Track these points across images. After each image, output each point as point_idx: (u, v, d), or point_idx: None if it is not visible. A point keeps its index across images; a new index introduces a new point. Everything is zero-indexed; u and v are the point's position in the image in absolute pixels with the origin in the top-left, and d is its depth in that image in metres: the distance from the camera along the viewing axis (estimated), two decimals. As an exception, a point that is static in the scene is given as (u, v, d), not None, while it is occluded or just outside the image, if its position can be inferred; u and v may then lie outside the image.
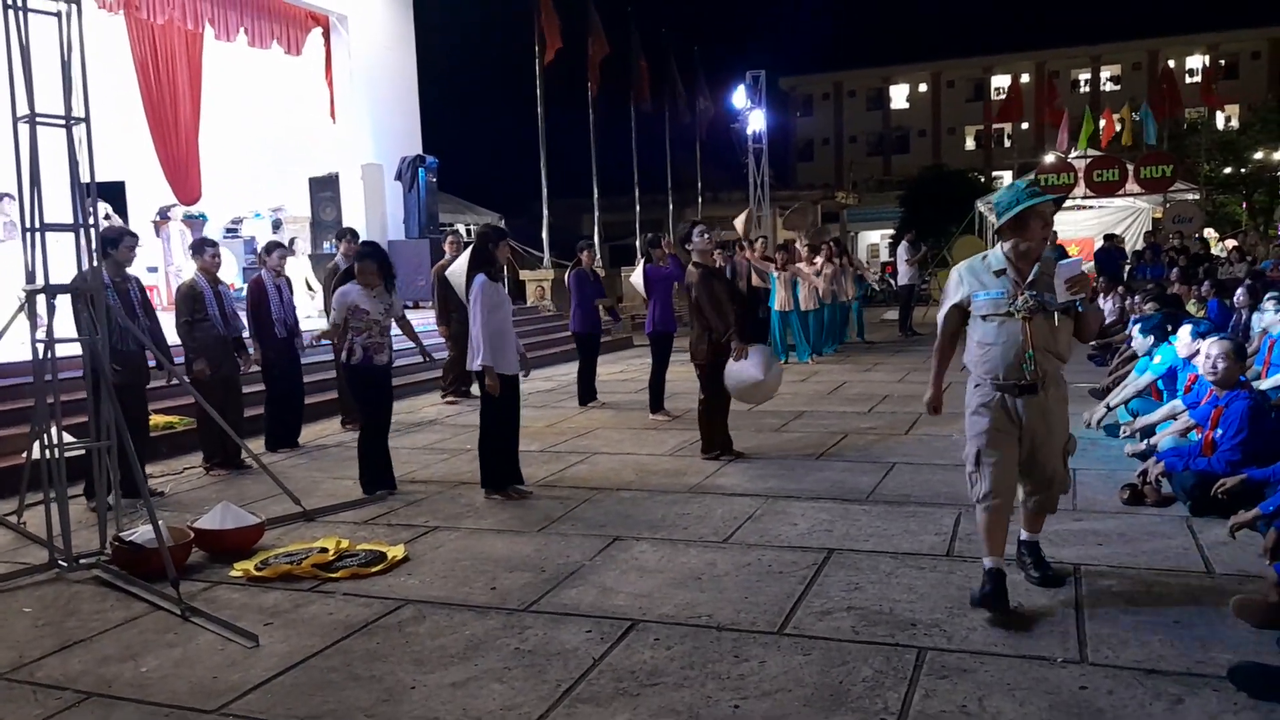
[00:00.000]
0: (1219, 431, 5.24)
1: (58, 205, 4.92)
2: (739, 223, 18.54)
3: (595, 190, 21.64)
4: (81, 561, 4.88)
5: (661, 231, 13.37)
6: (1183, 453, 5.42)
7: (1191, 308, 10.23)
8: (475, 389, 7.05)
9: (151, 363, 6.45)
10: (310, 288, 12.57)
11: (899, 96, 59.92)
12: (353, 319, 6.25)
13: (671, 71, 24.65)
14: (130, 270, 6.56)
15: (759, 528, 5.22)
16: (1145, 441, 6.20)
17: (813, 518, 5.37)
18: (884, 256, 38.84)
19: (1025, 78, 48.86)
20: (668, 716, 3.13)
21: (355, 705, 3.30)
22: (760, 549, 4.84)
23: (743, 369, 6.61)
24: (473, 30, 37.90)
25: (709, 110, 27.18)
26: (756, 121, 25.97)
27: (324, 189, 15.86)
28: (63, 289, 4.91)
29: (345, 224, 15.15)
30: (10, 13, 4.61)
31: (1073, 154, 24.29)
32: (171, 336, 7.04)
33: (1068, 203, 23.26)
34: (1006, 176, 40.31)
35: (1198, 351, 5.96)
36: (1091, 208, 24.00)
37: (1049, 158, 26.33)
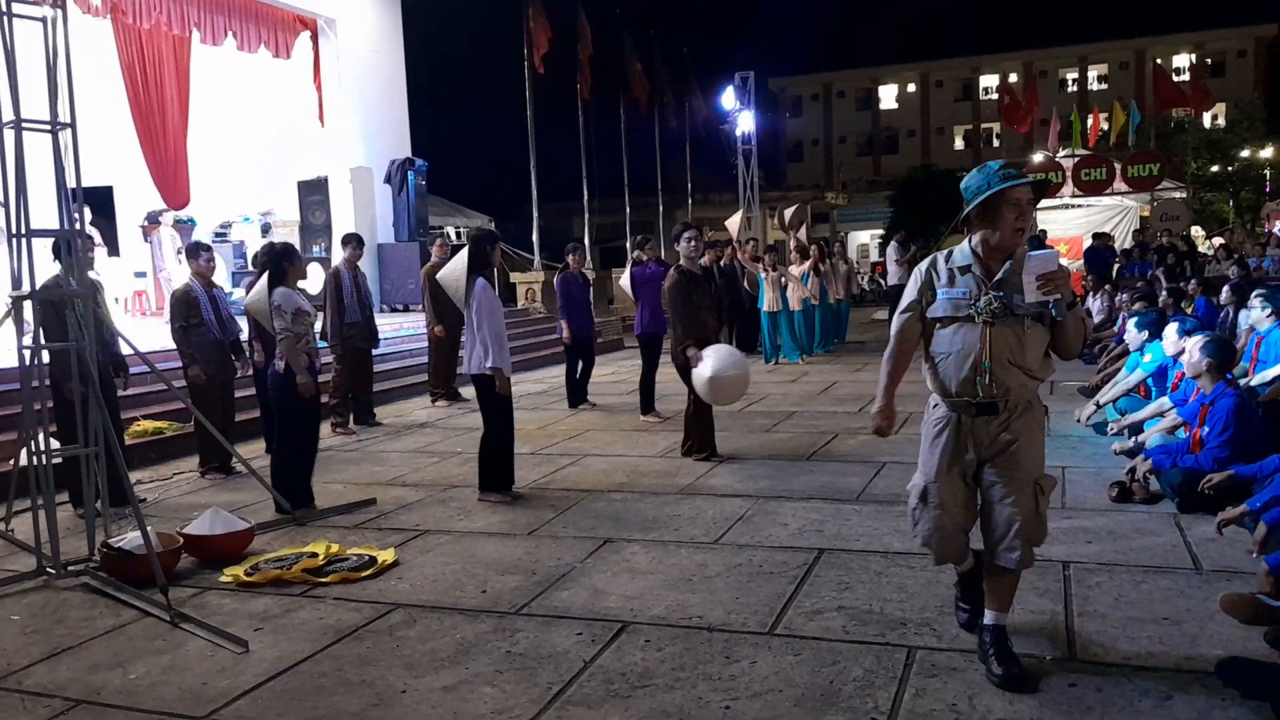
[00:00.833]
0: (1206, 429, 5.27)
1: (44, 211, 4.90)
2: (732, 224, 18.62)
3: (585, 192, 21.65)
4: (70, 568, 4.85)
5: (649, 234, 13.36)
6: (1170, 450, 5.45)
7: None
8: (466, 392, 7.04)
9: (141, 368, 6.41)
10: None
11: (888, 97, 60.13)
12: (293, 325, 5.90)
13: (661, 73, 24.67)
14: (91, 274, 6.49)
15: (750, 528, 5.23)
16: (1133, 439, 6.23)
17: (803, 518, 5.38)
18: (874, 256, 38.97)
19: (1013, 77, 49.06)
20: (659, 718, 3.13)
21: (346, 710, 3.29)
22: (751, 549, 4.85)
23: (699, 371, 6.67)
24: (462, 32, 37.95)
25: (699, 112, 27.22)
26: (746, 123, 26.04)
27: (313, 193, 15.82)
28: (49, 295, 4.89)
29: (334, 227, 15.18)
30: (-5, 18, 4.60)
31: (1060, 153, 24.40)
32: (151, 342, 6.99)
33: (1055, 202, 23.36)
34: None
35: (1184, 349, 5.99)
36: (1080, 206, 24.10)
37: (1037, 157, 26.42)
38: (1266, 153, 35.83)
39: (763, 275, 12.93)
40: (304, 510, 5.92)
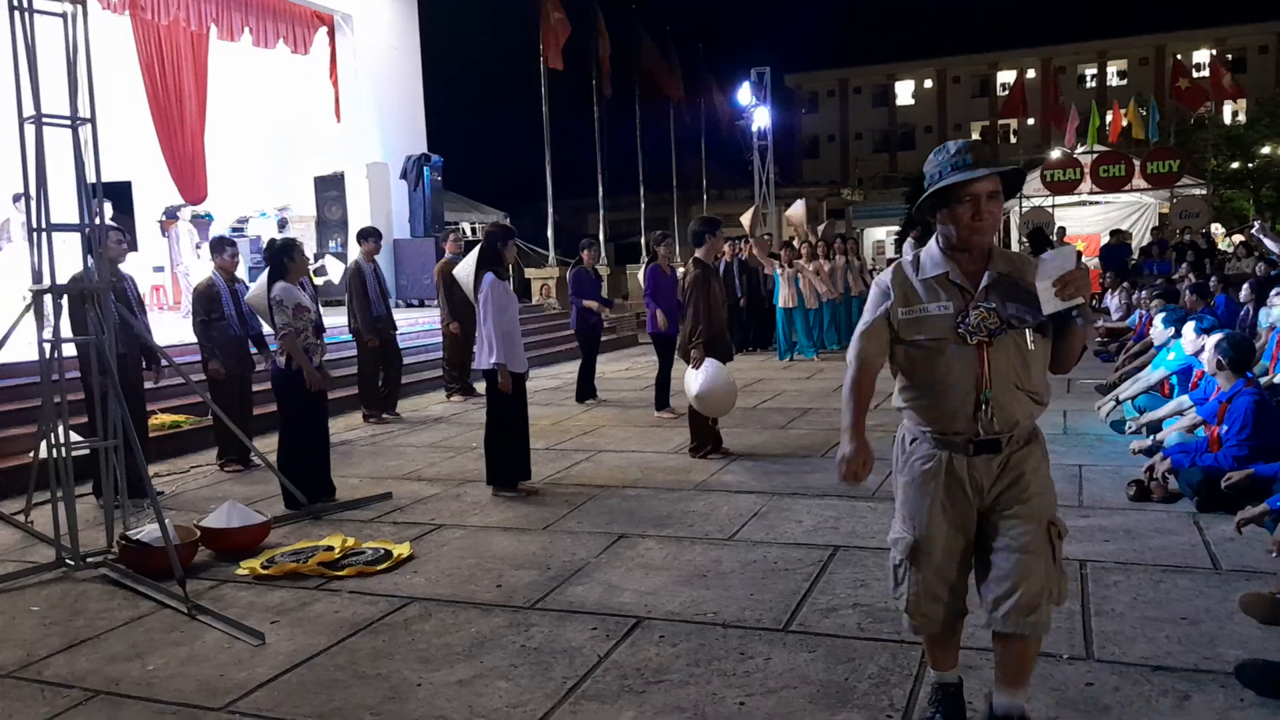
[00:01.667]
0: (1225, 427, 5.23)
1: (65, 205, 4.94)
2: (745, 219, 18.61)
3: (600, 188, 21.66)
4: (89, 560, 4.89)
5: (667, 230, 13.33)
6: (1189, 449, 5.41)
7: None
8: (481, 387, 7.07)
9: (163, 362, 6.46)
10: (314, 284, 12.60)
11: (904, 93, 59.79)
12: (294, 320, 5.88)
13: (676, 69, 24.63)
14: (123, 268, 6.55)
15: (764, 525, 5.22)
16: (1151, 438, 6.19)
17: (818, 515, 5.37)
18: (889, 253, 38.78)
19: (1031, 73, 48.73)
20: (673, 714, 3.13)
21: (361, 703, 3.31)
22: (765, 546, 4.84)
23: (690, 381, 6.73)
24: (478, 29, 37.93)
25: (714, 108, 27.16)
26: (761, 118, 25.95)
27: (329, 188, 15.90)
28: (70, 289, 4.93)
29: (350, 223, 15.24)
30: (16, 14, 4.64)
31: (1079, 149, 24.21)
32: (169, 336, 7.05)
33: (1073, 198, 23.19)
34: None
35: (1204, 347, 5.95)
36: (1098, 203, 23.92)
37: (1055, 153, 26.22)
38: (1288, 149, 35.47)
39: (778, 272, 12.91)
40: (319, 503, 5.95)
